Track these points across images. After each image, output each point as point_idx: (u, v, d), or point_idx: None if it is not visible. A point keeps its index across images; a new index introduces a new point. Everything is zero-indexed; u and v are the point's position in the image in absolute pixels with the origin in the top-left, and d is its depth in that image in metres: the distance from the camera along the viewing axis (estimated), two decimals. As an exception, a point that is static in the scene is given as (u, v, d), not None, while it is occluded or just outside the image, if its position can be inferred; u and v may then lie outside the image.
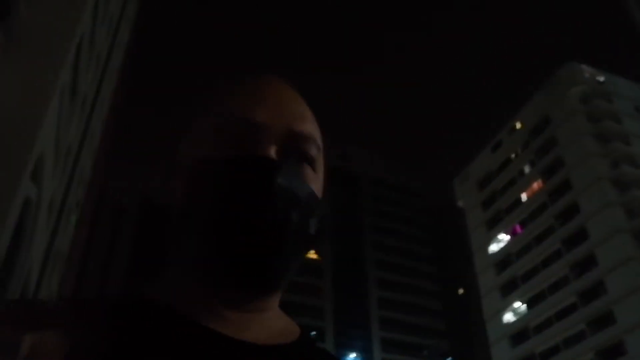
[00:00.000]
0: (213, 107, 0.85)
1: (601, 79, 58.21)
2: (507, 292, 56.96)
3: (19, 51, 9.82)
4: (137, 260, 62.06)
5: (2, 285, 10.21)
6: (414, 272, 75.30)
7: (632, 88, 58.93)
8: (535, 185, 57.46)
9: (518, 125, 61.88)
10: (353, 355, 66.26)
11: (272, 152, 0.78)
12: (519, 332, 54.02)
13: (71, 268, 28.43)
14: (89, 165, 22.86)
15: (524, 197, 58.58)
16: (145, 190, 68.63)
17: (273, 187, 0.74)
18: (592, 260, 48.36)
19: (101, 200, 57.78)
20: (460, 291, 77.56)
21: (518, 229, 58.18)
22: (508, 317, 56.23)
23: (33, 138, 9.81)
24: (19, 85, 9.69)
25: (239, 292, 0.77)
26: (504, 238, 59.66)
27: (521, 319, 54.56)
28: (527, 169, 59.26)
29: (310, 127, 0.84)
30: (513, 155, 61.49)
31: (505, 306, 56.53)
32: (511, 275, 56.94)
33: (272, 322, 0.83)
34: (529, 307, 54.10)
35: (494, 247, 60.53)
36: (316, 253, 67.76)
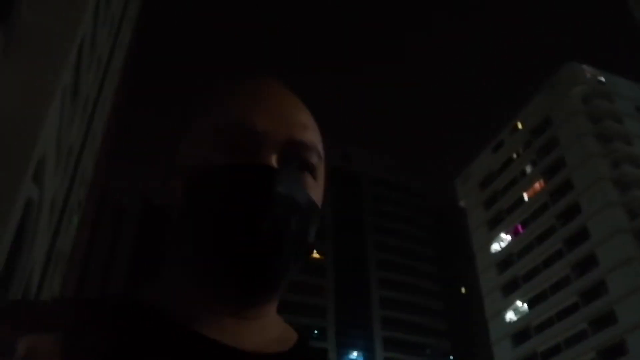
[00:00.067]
0: (214, 109, 0.84)
1: (602, 79, 58.17)
2: (509, 292, 56.95)
3: (20, 52, 9.84)
4: (139, 260, 62.09)
5: (4, 286, 10.22)
6: (416, 271, 75.26)
7: (632, 88, 58.87)
8: (537, 185, 57.45)
9: (519, 126, 61.87)
10: (355, 354, 66.26)
11: (273, 160, 0.77)
12: (521, 332, 54.01)
13: (73, 269, 28.44)
14: (90, 165, 22.86)
15: (525, 197, 58.56)
16: (145, 191, 68.65)
17: (273, 194, 0.73)
18: (593, 260, 48.33)
19: (103, 200, 57.77)
20: (462, 291, 77.53)
21: (519, 228, 58.17)
22: (509, 316, 56.21)
23: (35, 139, 9.82)
24: (21, 86, 9.70)
25: (238, 292, 0.76)
26: (505, 238, 59.65)
27: (522, 318, 54.55)
28: (528, 169, 59.25)
29: (312, 135, 0.83)
30: (514, 155, 61.49)
31: (507, 306, 56.51)
32: (513, 275, 56.92)
33: (268, 329, 0.82)
34: (530, 306, 54.09)
35: (495, 247, 60.51)
36: (318, 252, 67.78)
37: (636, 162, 51.45)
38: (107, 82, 21.19)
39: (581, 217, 50.61)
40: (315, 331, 63.77)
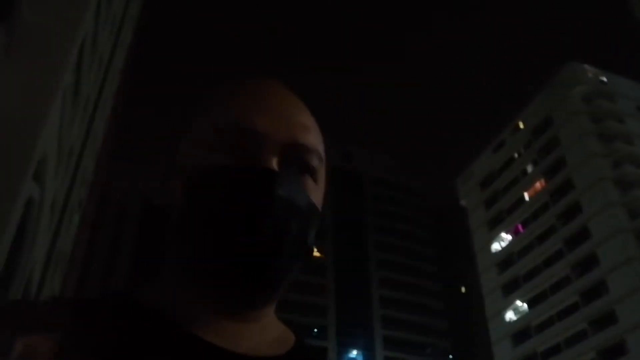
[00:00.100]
0: (214, 109, 0.83)
1: (604, 79, 58.15)
2: (509, 292, 56.96)
3: (21, 52, 9.85)
4: (139, 260, 62.14)
5: (4, 285, 10.23)
6: (416, 271, 75.30)
7: (634, 88, 58.85)
8: (538, 184, 57.46)
9: (520, 125, 61.87)
10: (355, 353, 66.33)
11: (274, 162, 0.77)
12: (521, 332, 54.01)
13: (73, 268, 28.46)
14: (91, 165, 22.88)
15: (526, 196, 58.57)
16: (145, 191, 68.67)
17: (273, 196, 0.73)
18: (594, 259, 48.33)
19: (103, 200, 57.79)
20: (462, 290, 77.54)
21: (520, 228, 58.17)
22: (510, 316, 56.23)
23: (36, 138, 9.83)
24: (22, 86, 9.71)
25: (237, 292, 0.75)
26: (506, 237, 59.65)
27: (523, 318, 54.55)
28: (529, 169, 59.25)
29: (313, 138, 0.83)
30: (516, 155, 61.50)
31: (507, 305, 56.51)
32: (513, 274, 56.92)
33: (266, 332, 0.82)
34: (530, 306, 54.10)
35: (496, 247, 60.52)
36: (319, 251, 67.85)
37: (637, 162, 51.41)
38: (108, 82, 21.20)
39: (582, 217, 50.60)
40: (316, 330, 63.87)
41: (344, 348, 65.38)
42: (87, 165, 20.89)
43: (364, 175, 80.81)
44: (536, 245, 55.06)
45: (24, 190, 9.69)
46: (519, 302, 55.54)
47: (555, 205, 54.09)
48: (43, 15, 10.57)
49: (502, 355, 55.37)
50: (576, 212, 51.54)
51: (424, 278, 75.32)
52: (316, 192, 0.83)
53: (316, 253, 65.05)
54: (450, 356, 70.96)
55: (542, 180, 56.85)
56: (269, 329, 0.83)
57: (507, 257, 58.41)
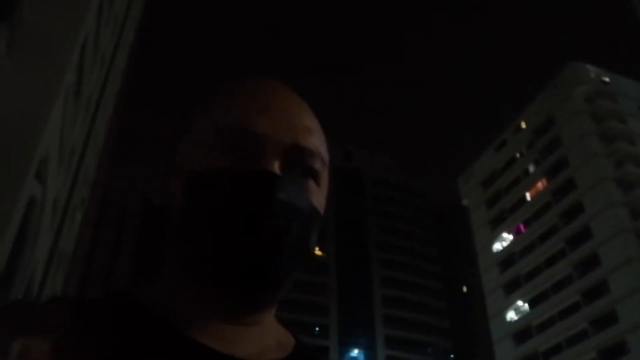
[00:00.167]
0: (214, 109, 0.82)
1: (606, 79, 58.13)
2: (511, 291, 56.97)
3: (22, 52, 9.86)
4: (141, 260, 62.21)
5: (6, 285, 10.24)
6: (418, 270, 75.34)
7: (636, 88, 58.83)
8: (540, 184, 57.45)
9: (522, 125, 61.85)
10: (356, 352, 66.39)
11: (275, 164, 0.76)
12: (522, 331, 54.02)
13: (75, 268, 28.48)
14: (93, 165, 22.88)
15: (528, 196, 58.55)
16: (146, 191, 68.71)
17: (274, 199, 0.72)
18: (596, 259, 48.32)
19: (105, 200, 57.86)
20: (464, 290, 77.52)
21: (522, 228, 58.15)
22: (511, 315, 56.22)
23: (37, 138, 9.84)
24: (23, 86, 9.73)
25: (237, 292, 0.75)
26: (507, 237, 59.63)
27: (524, 317, 54.55)
28: (531, 169, 59.26)
29: (316, 140, 0.82)
30: (517, 155, 61.50)
31: (509, 305, 56.52)
32: (515, 274, 56.92)
33: (265, 336, 0.81)
34: (532, 306, 54.12)
35: (497, 246, 60.51)
36: (321, 251, 67.94)
37: (639, 162, 51.38)
38: (110, 82, 21.20)
39: (584, 216, 50.60)
40: (317, 329, 63.94)
41: (346, 347, 65.47)
42: (89, 165, 20.90)
43: (365, 175, 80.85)
44: (538, 245, 55.05)
45: (26, 189, 9.70)
46: (520, 302, 55.55)
47: (557, 205, 54.08)
48: (44, 15, 10.58)
49: (503, 355, 55.38)
50: (578, 212, 51.53)
51: (425, 277, 75.34)
52: (319, 195, 0.82)
53: (318, 252, 65.10)
54: (452, 356, 70.99)
55: (544, 180, 56.85)
56: (269, 333, 0.82)
57: (509, 256, 58.41)
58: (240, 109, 0.79)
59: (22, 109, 9.61)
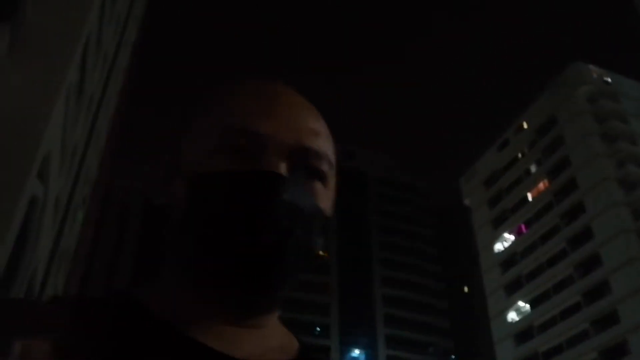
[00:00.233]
0: (215, 109, 0.81)
1: (608, 79, 58.12)
2: (512, 291, 56.94)
3: (25, 51, 9.87)
4: (142, 259, 62.23)
5: (7, 285, 10.24)
6: (419, 270, 75.27)
7: (638, 88, 58.84)
8: (541, 184, 57.42)
9: (525, 125, 61.83)
10: (357, 351, 66.39)
11: (278, 166, 0.75)
12: (523, 331, 53.99)
13: (77, 267, 28.50)
14: (95, 164, 22.89)
15: (529, 196, 58.52)
16: (146, 190, 68.69)
17: (274, 198, 0.72)
18: (597, 260, 48.28)
19: (107, 199, 57.88)
20: (465, 290, 77.46)
21: (523, 228, 58.12)
22: (512, 316, 56.19)
23: (39, 137, 9.85)
24: (26, 85, 9.74)
25: (237, 292, 0.74)
26: (509, 237, 59.60)
27: (525, 318, 54.52)
28: (533, 168, 59.22)
29: (322, 142, 0.81)
30: (519, 155, 61.46)
31: (510, 305, 56.49)
32: (516, 274, 56.90)
33: (269, 338, 0.80)
34: (533, 306, 54.09)
35: (499, 246, 60.48)
36: (323, 250, 67.90)
37: (641, 162, 51.40)
38: (112, 81, 21.21)
39: (585, 216, 50.56)
40: (318, 329, 63.93)
41: (347, 347, 65.45)
42: (91, 164, 20.90)
43: (367, 175, 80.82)
44: (539, 245, 55.02)
45: (28, 188, 9.71)
46: (521, 302, 55.51)
47: (558, 205, 54.06)
48: (46, 14, 10.59)
49: (504, 355, 55.35)
50: (579, 212, 51.51)
51: (426, 277, 75.29)
52: (325, 197, 0.81)
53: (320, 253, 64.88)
54: (453, 356, 70.91)
55: (546, 180, 56.82)
56: (271, 335, 0.81)
57: (510, 256, 58.38)
58: (244, 110, 0.78)
59: (24, 108, 9.62)
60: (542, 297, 53.03)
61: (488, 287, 60.66)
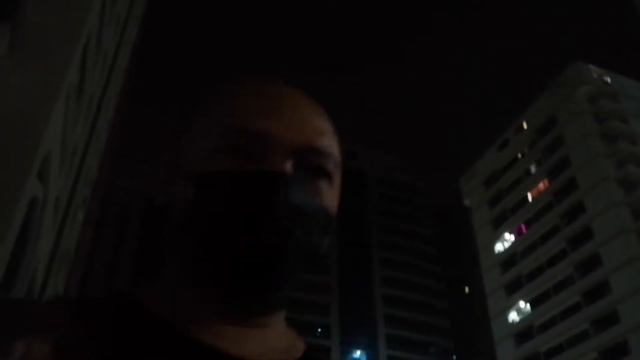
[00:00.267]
0: (218, 111, 0.80)
1: (608, 79, 58.13)
2: (512, 291, 56.94)
3: (25, 51, 9.88)
4: (143, 259, 62.23)
5: (7, 285, 10.24)
6: (420, 270, 75.28)
7: (638, 88, 58.86)
8: (541, 184, 57.42)
9: (525, 125, 61.83)
10: (358, 352, 66.39)
11: (283, 166, 0.74)
12: (524, 331, 53.99)
13: (77, 267, 28.50)
14: (95, 164, 22.89)
15: (529, 196, 58.53)
16: (147, 190, 68.66)
17: (274, 197, 0.71)
18: (597, 260, 48.29)
19: (107, 199, 57.88)
20: (466, 290, 77.47)
21: (523, 228, 58.12)
22: (513, 316, 56.19)
23: (39, 137, 9.85)
24: (26, 85, 9.74)
25: (237, 291, 0.74)
26: (509, 237, 59.60)
27: (525, 318, 54.51)
28: (533, 169, 59.22)
29: (327, 141, 0.80)
30: (519, 155, 61.46)
31: (510, 305, 56.49)
32: (516, 274, 56.90)
33: (273, 339, 0.79)
34: (533, 306, 54.07)
35: (499, 247, 60.49)
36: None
37: (641, 162, 51.40)
38: (112, 81, 21.21)
39: (585, 216, 50.56)
40: (319, 329, 63.91)
41: (347, 347, 65.44)
42: (91, 164, 20.90)
43: (368, 175, 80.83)
44: (539, 245, 55.02)
45: (28, 189, 9.71)
46: (521, 302, 55.51)
47: (558, 205, 54.06)
48: (46, 14, 10.60)
49: (505, 355, 55.35)
50: (579, 212, 51.50)
51: (427, 277, 75.29)
52: (330, 197, 0.80)
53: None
54: (454, 356, 70.93)
55: (546, 180, 56.82)
56: (273, 336, 0.80)
57: (510, 257, 58.38)
58: (244, 110, 0.78)
59: (24, 109, 9.62)
60: (542, 297, 53.03)
61: (488, 287, 60.65)
